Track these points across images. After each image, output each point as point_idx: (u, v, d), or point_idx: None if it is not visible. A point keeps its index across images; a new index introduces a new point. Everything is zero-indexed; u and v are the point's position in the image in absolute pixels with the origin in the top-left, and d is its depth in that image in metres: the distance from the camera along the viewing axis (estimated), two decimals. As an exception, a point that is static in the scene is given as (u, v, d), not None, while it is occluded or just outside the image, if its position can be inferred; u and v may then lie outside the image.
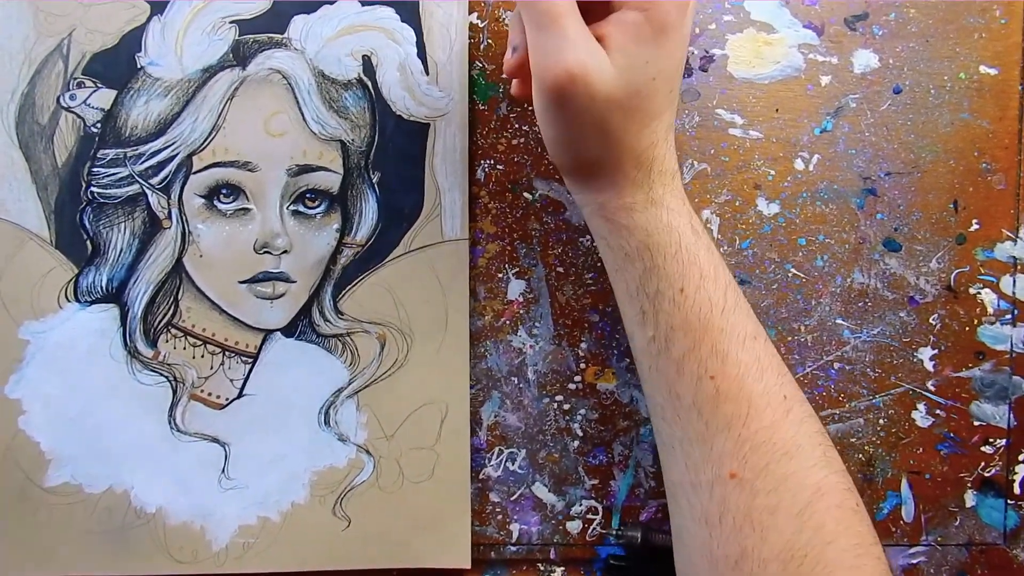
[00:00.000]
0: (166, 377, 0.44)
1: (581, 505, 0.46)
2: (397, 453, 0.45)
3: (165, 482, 0.44)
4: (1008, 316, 0.46)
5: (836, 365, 0.47)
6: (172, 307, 0.44)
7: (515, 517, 0.46)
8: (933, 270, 0.46)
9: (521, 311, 0.46)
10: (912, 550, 0.47)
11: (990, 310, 0.46)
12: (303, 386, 0.45)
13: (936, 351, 0.47)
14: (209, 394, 0.45)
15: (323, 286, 0.45)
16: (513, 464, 0.46)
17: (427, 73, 0.44)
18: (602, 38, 0.36)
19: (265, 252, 0.44)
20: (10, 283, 0.44)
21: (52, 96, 0.44)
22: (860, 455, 0.46)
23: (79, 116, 0.44)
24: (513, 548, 0.46)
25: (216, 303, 0.44)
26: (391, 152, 0.44)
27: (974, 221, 0.46)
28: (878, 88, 0.46)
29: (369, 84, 0.44)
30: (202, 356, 0.45)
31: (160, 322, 0.44)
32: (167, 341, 0.44)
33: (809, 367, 0.46)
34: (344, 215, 0.44)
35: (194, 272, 0.44)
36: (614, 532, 0.46)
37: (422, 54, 0.44)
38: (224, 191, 0.44)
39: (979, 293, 0.46)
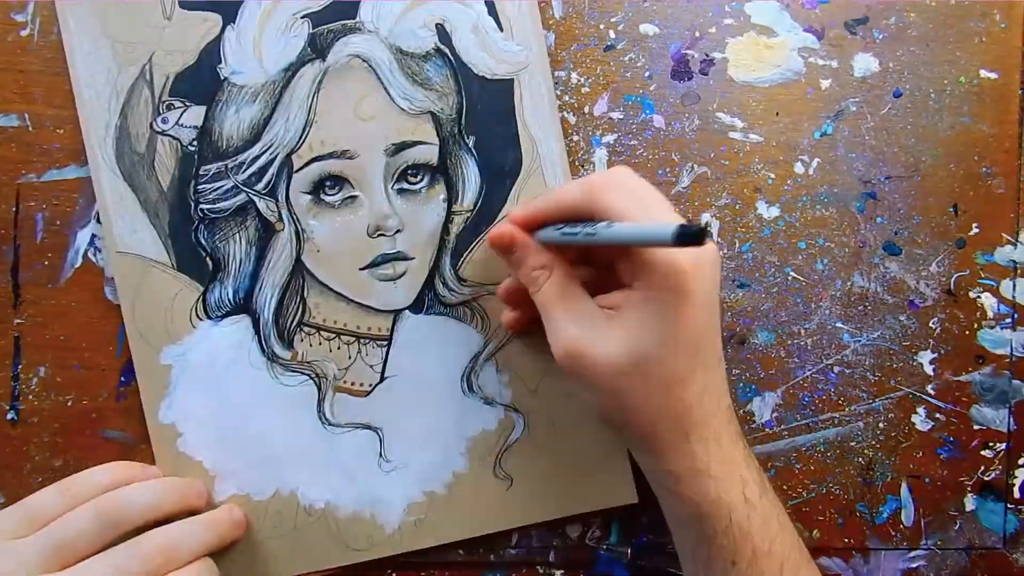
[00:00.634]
0: (308, 375, 0.45)
1: (581, 508, 0.46)
2: (544, 406, 0.45)
3: (328, 476, 0.45)
4: (1008, 320, 0.46)
5: (836, 369, 0.47)
6: (300, 306, 0.45)
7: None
8: (933, 274, 0.46)
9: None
10: (912, 554, 0.47)
11: (990, 314, 0.46)
12: (441, 358, 0.45)
13: (936, 355, 0.47)
14: (352, 383, 0.45)
15: (441, 257, 0.45)
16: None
17: (501, 30, 0.44)
18: (613, 306, 0.38)
19: (379, 235, 0.44)
20: (142, 313, 0.44)
21: (145, 123, 0.44)
22: (860, 459, 0.46)
23: (174, 138, 0.44)
24: (513, 551, 0.46)
25: (342, 294, 0.45)
26: (481, 114, 0.45)
27: (974, 225, 0.46)
28: (878, 92, 0.46)
29: (447, 51, 0.44)
30: (338, 348, 0.45)
31: (292, 323, 0.45)
32: (302, 340, 0.45)
33: (809, 370, 0.46)
34: (448, 184, 0.45)
35: (315, 268, 0.45)
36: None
37: (493, 12, 0.44)
38: (328, 184, 0.44)
39: (979, 297, 0.46)
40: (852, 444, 0.46)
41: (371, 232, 0.44)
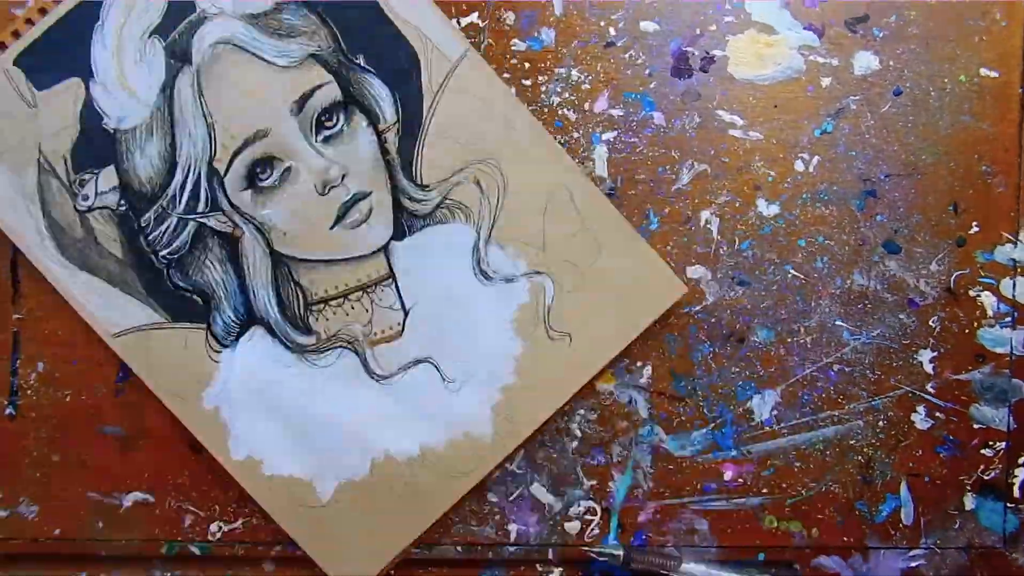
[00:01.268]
0: (340, 347, 0.45)
1: (579, 506, 0.46)
2: (558, 254, 0.45)
3: (409, 424, 0.45)
4: (1008, 319, 0.46)
5: (835, 367, 0.46)
6: (298, 291, 0.45)
7: (513, 517, 0.46)
8: (933, 272, 0.46)
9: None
10: (911, 553, 0.46)
11: (990, 312, 0.46)
12: (446, 265, 0.45)
13: (936, 353, 0.46)
14: (383, 332, 0.45)
15: (395, 177, 0.45)
16: (511, 464, 0.46)
17: None
18: None
19: (330, 189, 0.44)
20: (164, 375, 0.44)
21: (70, 209, 0.44)
22: (859, 457, 0.46)
23: (103, 207, 0.44)
24: (511, 548, 0.46)
25: (327, 260, 0.45)
26: (355, 30, 0.44)
27: (974, 223, 0.46)
28: (878, 90, 0.46)
29: None
30: (352, 308, 0.45)
31: (299, 310, 0.45)
32: (316, 320, 0.45)
33: (808, 369, 0.46)
34: (363, 109, 0.44)
35: (291, 251, 0.45)
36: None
37: None
38: (258, 169, 0.44)
39: (979, 295, 0.46)
40: (852, 443, 0.46)
41: (321, 190, 0.44)
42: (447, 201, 0.45)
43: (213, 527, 0.46)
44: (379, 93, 0.45)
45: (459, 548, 0.46)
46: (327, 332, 0.45)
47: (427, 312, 0.45)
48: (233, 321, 0.45)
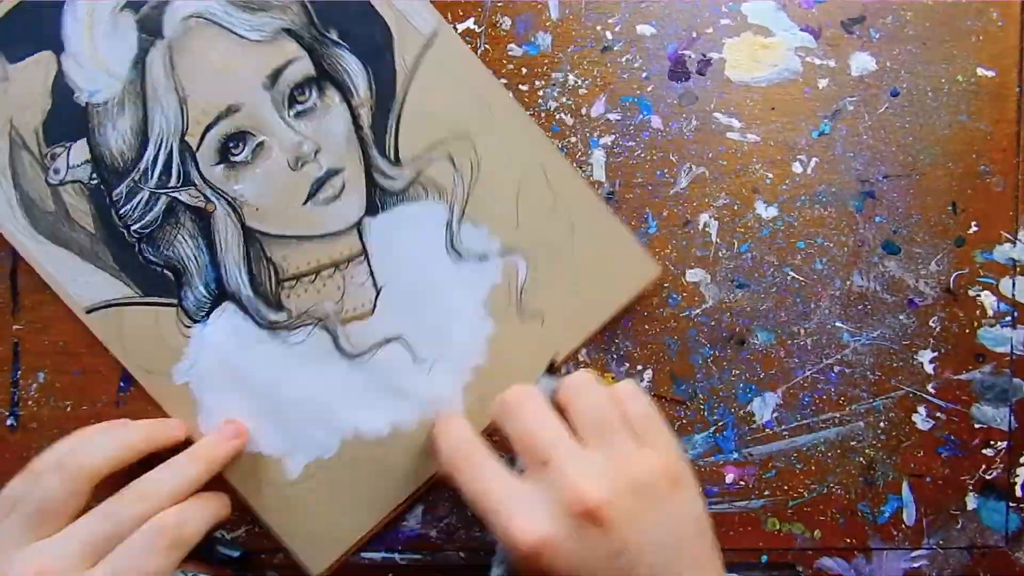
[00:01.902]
0: (311, 324, 0.45)
1: (581, 510, 0.46)
2: (532, 233, 0.45)
3: (379, 402, 0.45)
4: (1008, 318, 0.46)
5: (836, 368, 0.46)
6: (270, 267, 0.45)
7: (515, 522, 0.46)
8: (932, 272, 0.46)
9: (520, 316, 0.46)
10: (914, 553, 0.46)
11: (990, 312, 0.46)
12: (418, 242, 0.45)
13: (936, 353, 0.46)
14: (354, 309, 0.45)
15: (368, 153, 0.45)
16: (512, 467, 0.46)
17: None
18: None
19: (302, 164, 0.44)
20: (135, 350, 0.44)
21: (41, 183, 0.44)
22: (861, 458, 0.46)
23: (74, 180, 0.44)
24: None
25: (299, 236, 0.45)
26: (328, 4, 0.44)
27: (973, 223, 0.46)
28: (875, 91, 0.46)
29: None
30: (324, 285, 0.45)
31: (271, 286, 0.45)
32: (288, 297, 0.45)
33: (809, 370, 0.46)
34: (336, 84, 0.44)
35: (263, 226, 0.44)
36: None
37: None
38: (231, 144, 0.44)
39: (979, 295, 0.46)
40: (853, 444, 0.46)
41: (294, 165, 0.44)
42: (421, 178, 0.45)
43: (216, 536, 0.46)
44: (352, 68, 0.44)
45: (462, 554, 0.46)
46: (299, 309, 0.45)
47: (399, 290, 0.45)
48: (204, 297, 0.44)
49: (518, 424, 0.39)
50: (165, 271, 0.44)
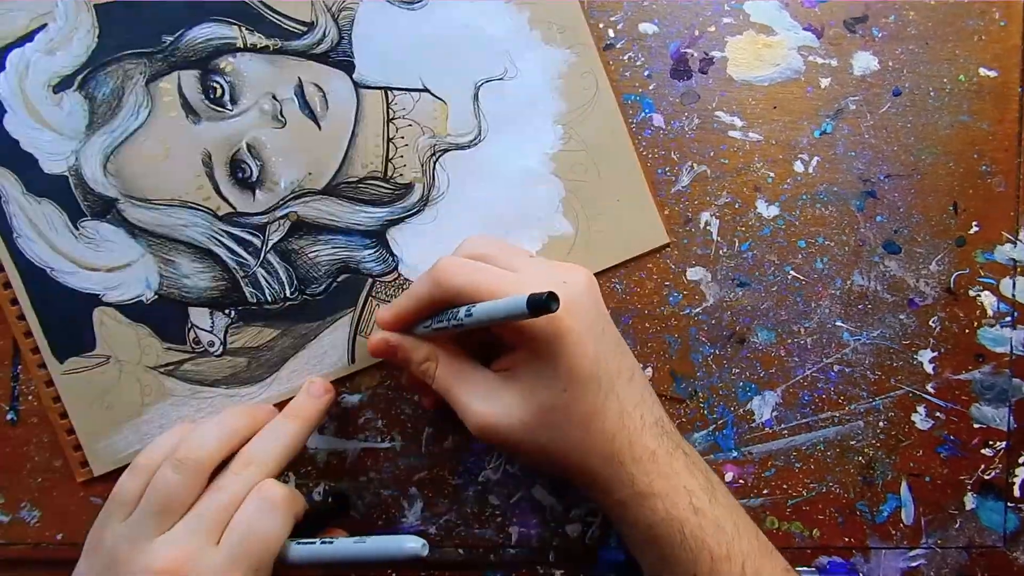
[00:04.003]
0: (436, 163, 0.45)
1: (580, 508, 0.46)
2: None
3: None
4: (1008, 318, 0.46)
5: (836, 367, 0.46)
6: (375, 172, 0.45)
7: (514, 520, 0.46)
8: (933, 272, 0.46)
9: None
10: (912, 553, 0.46)
11: (990, 312, 0.46)
12: (395, 45, 0.45)
13: (936, 353, 0.47)
14: (435, 120, 0.45)
15: (297, 52, 0.45)
16: (513, 467, 0.46)
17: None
18: (509, 368, 0.39)
19: (282, 114, 0.44)
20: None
21: (218, 362, 0.45)
22: (860, 458, 0.46)
23: (225, 329, 0.45)
24: (512, 551, 0.46)
25: (349, 142, 0.45)
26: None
27: (974, 223, 0.46)
28: (877, 90, 0.46)
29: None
30: (404, 143, 0.45)
31: (390, 180, 0.45)
32: (403, 169, 0.45)
33: (809, 369, 0.46)
34: (225, 51, 0.44)
35: (326, 175, 0.45)
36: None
37: None
38: (240, 176, 0.44)
39: (979, 295, 0.46)
40: (852, 443, 0.46)
41: (279, 123, 0.44)
42: (332, 9, 0.45)
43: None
44: (208, 33, 0.44)
45: (461, 551, 0.46)
46: (417, 171, 0.45)
47: (432, 69, 0.45)
48: (374, 254, 0.45)
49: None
50: (340, 279, 0.45)
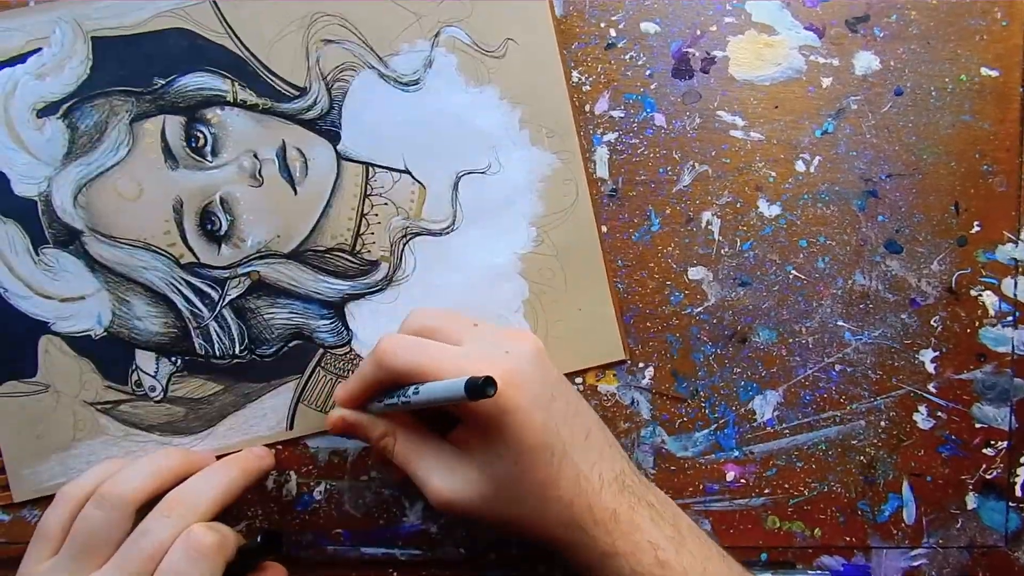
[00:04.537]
0: (402, 246, 0.45)
1: (582, 507, 0.46)
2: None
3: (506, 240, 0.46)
4: (1009, 318, 0.46)
5: (837, 367, 0.46)
6: (339, 254, 0.45)
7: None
8: (934, 272, 0.46)
9: (522, 312, 0.46)
10: (913, 552, 0.46)
11: (991, 312, 0.46)
12: (383, 107, 0.45)
13: (937, 353, 0.46)
14: (412, 200, 0.45)
15: (278, 112, 0.45)
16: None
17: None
18: (462, 442, 0.39)
19: (260, 174, 0.44)
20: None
21: (155, 407, 0.45)
22: (861, 457, 0.46)
23: (168, 376, 0.45)
24: (514, 550, 0.46)
25: (323, 212, 0.45)
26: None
27: (975, 223, 0.46)
28: (879, 90, 0.46)
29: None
30: (376, 216, 0.45)
31: (355, 261, 0.45)
32: (370, 252, 0.45)
33: (810, 369, 0.46)
34: (206, 104, 0.44)
35: (296, 240, 0.45)
36: None
37: None
38: (209, 227, 0.44)
39: (980, 295, 0.46)
40: (853, 442, 0.46)
41: (256, 181, 0.44)
42: (327, 77, 0.45)
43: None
44: (199, 83, 0.44)
45: (462, 550, 0.46)
46: (386, 249, 0.45)
47: (416, 153, 0.45)
48: (330, 325, 0.45)
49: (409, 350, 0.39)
50: (291, 344, 0.45)
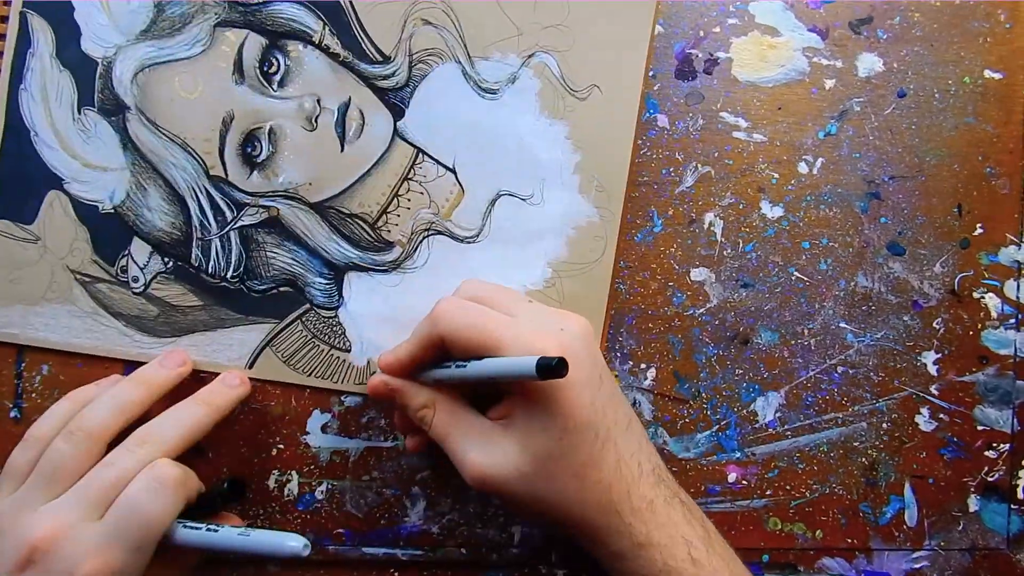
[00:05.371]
0: (423, 239, 0.45)
1: (583, 508, 0.46)
2: (540, 24, 0.45)
3: (521, 261, 0.46)
4: (1012, 320, 0.46)
5: (839, 369, 0.46)
6: (357, 221, 0.45)
7: (517, 519, 0.46)
8: (937, 274, 0.46)
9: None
10: (915, 555, 0.46)
11: (994, 314, 0.46)
12: (455, 108, 0.45)
13: (940, 355, 0.46)
14: (447, 200, 0.45)
15: (357, 71, 0.45)
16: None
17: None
18: (505, 416, 0.38)
19: (316, 120, 0.44)
20: (316, 369, 0.45)
21: (131, 297, 0.45)
22: (863, 459, 0.46)
23: (154, 275, 0.44)
24: (515, 550, 0.46)
25: (360, 178, 0.45)
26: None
27: (978, 225, 0.46)
28: (882, 92, 0.46)
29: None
30: (409, 200, 0.45)
31: (369, 234, 0.45)
32: (389, 232, 0.45)
33: (812, 370, 0.46)
34: (291, 36, 0.44)
35: (326, 194, 0.45)
36: None
37: None
38: (248, 150, 0.44)
39: (983, 297, 0.46)
40: (855, 444, 0.46)
41: (309, 126, 0.44)
42: (415, 56, 0.45)
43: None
44: (293, 14, 0.44)
45: (463, 550, 0.46)
46: (404, 235, 0.45)
47: (470, 157, 0.45)
48: (326, 285, 0.45)
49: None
50: (281, 288, 0.45)
